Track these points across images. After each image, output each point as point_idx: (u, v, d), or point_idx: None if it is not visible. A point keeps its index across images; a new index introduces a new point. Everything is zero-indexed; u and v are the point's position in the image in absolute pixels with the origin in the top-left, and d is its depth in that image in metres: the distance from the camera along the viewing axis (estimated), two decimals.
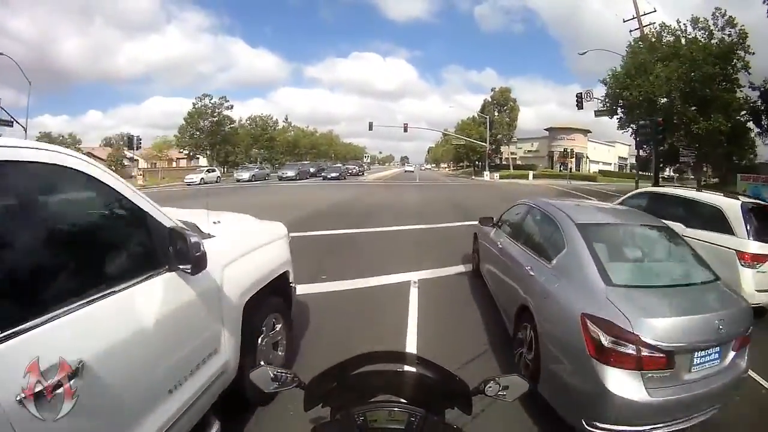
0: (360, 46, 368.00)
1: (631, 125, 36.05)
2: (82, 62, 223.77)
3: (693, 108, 29.19)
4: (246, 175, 55.93)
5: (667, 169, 44.75)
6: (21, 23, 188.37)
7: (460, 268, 10.54)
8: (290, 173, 58.12)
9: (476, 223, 10.02)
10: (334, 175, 58.65)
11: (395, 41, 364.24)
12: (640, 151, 41.24)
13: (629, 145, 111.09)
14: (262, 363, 3.57)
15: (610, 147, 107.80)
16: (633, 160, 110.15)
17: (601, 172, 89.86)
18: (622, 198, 11.76)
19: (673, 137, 30.74)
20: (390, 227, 16.55)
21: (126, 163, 69.88)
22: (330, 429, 2.05)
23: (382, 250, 12.34)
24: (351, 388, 2.14)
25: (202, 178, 51.42)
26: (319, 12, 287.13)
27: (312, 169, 65.84)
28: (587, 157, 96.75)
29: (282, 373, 2.14)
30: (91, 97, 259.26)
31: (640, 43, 34.77)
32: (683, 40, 31.40)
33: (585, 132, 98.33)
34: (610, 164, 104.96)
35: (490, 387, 2.10)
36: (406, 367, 2.26)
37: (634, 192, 11.88)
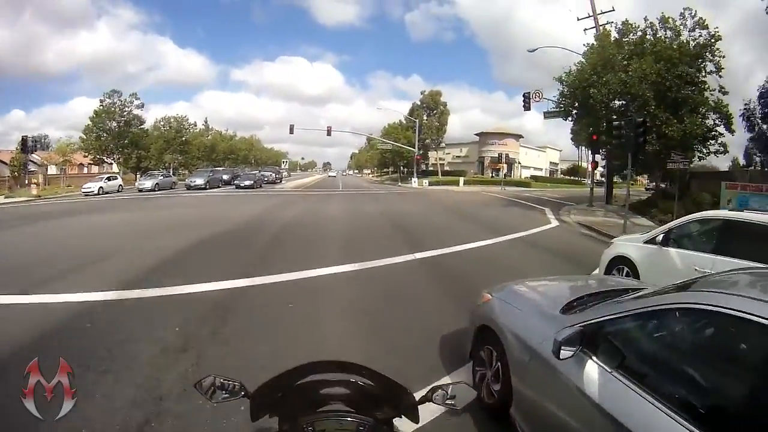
0: (289, 50, 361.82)
1: (589, 128, 33.33)
2: (6, 56, 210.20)
3: (663, 109, 27.25)
4: (148, 184, 48.54)
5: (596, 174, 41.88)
6: None
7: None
8: (198, 181, 51.02)
9: (421, 255, 9.86)
10: (247, 183, 52.09)
11: (324, 46, 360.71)
12: (596, 156, 38.47)
13: (560, 150, 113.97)
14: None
15: (540, 152, 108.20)
16: (563, 166, 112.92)
17: (533, 177, 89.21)
18: (671, 225, 9.00)
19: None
20: (304, 271, 10.96)
21: (32, 169, 62.15)
22: None
23: (285, 345, 6.77)
24: (299, 397, 2.10)
25: (101, 187, 44.97)
26: (250, 13, 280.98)
27: (225, 176, 58.76)
28: (519, 163, 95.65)
29: (229, 382, 2.10)
30: (14, 94, 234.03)
31: (613, 36, 32.56)
32: (650, 38, 29.84)
33: (517, 137, 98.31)
34: (542, 169, 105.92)
35: (437, 395, 2.10)
36: (355, 377, 2.13)
37: (688, 218, 8.61)
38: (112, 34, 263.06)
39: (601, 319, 3.54)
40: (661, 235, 8.66)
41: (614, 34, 32.53)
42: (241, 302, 8.62)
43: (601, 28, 36.89)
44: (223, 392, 2.10)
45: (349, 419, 1.97)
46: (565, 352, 3.29)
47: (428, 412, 2.35)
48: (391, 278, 10.71)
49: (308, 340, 6.79)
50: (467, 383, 2.26)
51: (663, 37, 29.36)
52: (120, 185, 48.92)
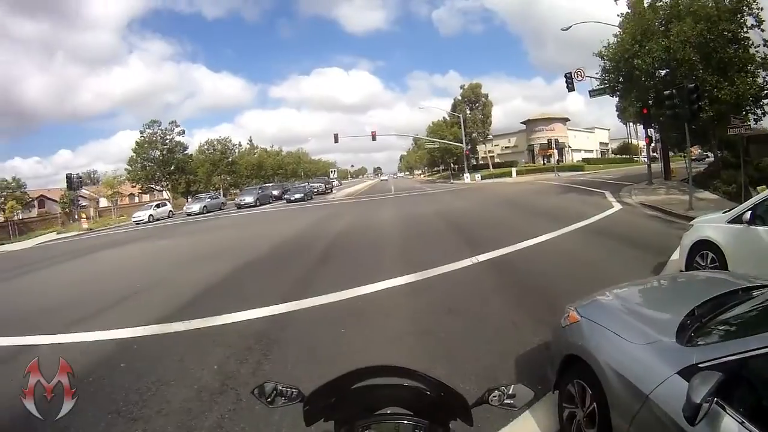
0: (323, 62, 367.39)
1: (638, 103, 31.77)
2: (47, 101, 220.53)
3: (710, 72, 25.36)
4: (195, 208, 49.05)
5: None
6: None
7: None
8: (248, 199, 51.08)
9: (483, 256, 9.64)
10: (297, 196, 52.04)
11: (357, 53, 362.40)
12: (650, 129, 36.66)
13: (608, 129, 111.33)
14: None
15: (589, 133, 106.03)
16: (613, 145, 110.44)
17: (585, 160, 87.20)
18: (757, 200, 8.04)
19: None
20: (356, 288, 10.26)
21: (83, 204, 64.25)
22: None
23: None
24: (354, 401, 2.07)
25: (150, 215, 46.41)
26: (279, 31, 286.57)
27: (276, 192, 59.09)
28: (569, 147, 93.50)
29: (286, 388, 2.16)
30: (59, 136, 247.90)
31: (646, 1, 30.35)
32: None
33: (564, 120, 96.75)
34: (592, 151, 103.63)
35: (493, 396, 2.12)
36: (407, 381, 2.04)
37: None
38: (146, 68, 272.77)
39: (745, 355, 2.73)
40: (748, 212, 7.71)
41: (647, 0, 30.66)
42: (285, 331, 8.08)
43: None
44: (282, 398, 2.13)
45: (405, 422, 1.96)
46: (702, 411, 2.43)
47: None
48: (453, 288, 9.93)
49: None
50: (524, 384, 2.18)
51: None
52: (170, 211, 50.35)
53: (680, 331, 3.38)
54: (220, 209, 51.53)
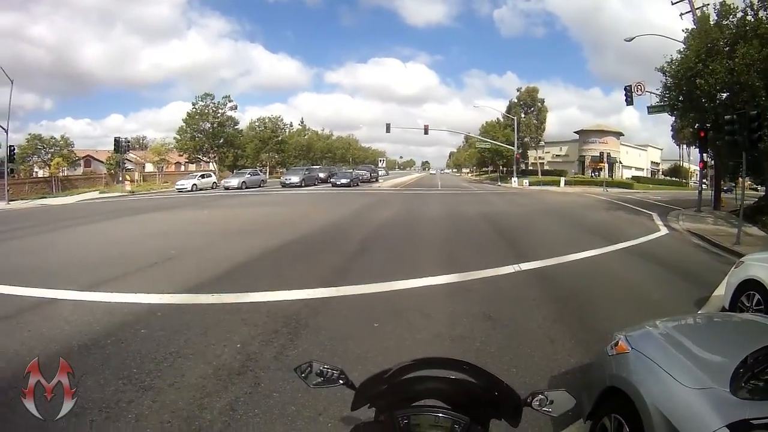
0: (380, 52, 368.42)
1: (696, 124, 31.03)
2: (103, 67, 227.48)
3: None
4: (234, 182, 49.04)
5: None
6: (42, 29, 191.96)
7: None
8: (294, 179, 51.64)
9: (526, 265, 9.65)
10: (343, 181, 52.27)
11: (415, 46, 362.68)
12: (705, 155, 35.02)
13: (661, 149, 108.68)
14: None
15: (641, 151, 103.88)
16: (664, 166, 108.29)
17: (634, 177, 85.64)
18: None
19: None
20: (394, 282, 10.00)
21: (129, 167, 65.76)
22: (370, 429, 2.07)
23: (362, 378, 6.21)
24: (399, 391, 2.07)
25: (194, 185, 47.40)
26: (339, 18, 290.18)
27: (322, 175, 59.67)
28: (620, 162, 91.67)
29: (329, 369, 2.16)
30: (112, 101, 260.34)
31: (712, 19, 29.15)
32: (751, 19, 26.19)
33: (618, 135, 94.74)
34: (643, 170, 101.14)
35: (536, 400, 2.10)
36: (457, 374, 2.08)
37: None
38: (204, 43, 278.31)
39: None
40: None
41: (713, 17, 29.36)
42: (317, 317, 7.84)
43: (697, 12, 33.54)
44: (320, 378, 2.14)
45: (443, 416, 1.92)
46: None
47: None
48: (493, 295, 9.57)
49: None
50: (568, 391, 2.18)
51: (765, 18, 25.96)
52: (214, 182, 51.25)
53: (733, 380, 3.14)
54: (260, 186, 51.78)
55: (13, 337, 6.61)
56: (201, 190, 47.04)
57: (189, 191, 45.24)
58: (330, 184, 53.38)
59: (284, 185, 50.62)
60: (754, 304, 7.73)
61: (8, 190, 37.23)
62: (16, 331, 6.91)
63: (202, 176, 51.21)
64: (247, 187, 48.60)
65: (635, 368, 3.71)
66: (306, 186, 51.38)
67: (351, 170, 67.50)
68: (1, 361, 5.79)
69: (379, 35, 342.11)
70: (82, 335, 6.67)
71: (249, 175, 52.72)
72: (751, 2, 26.51)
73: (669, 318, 4.72)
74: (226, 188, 47.97)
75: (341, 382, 2.14)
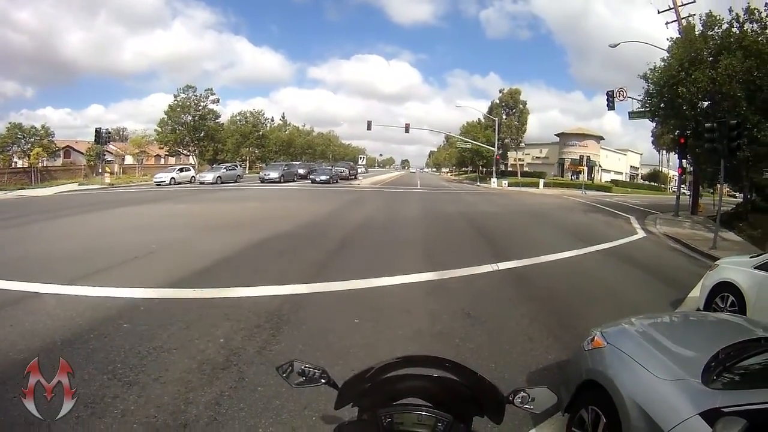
0: (364, 48, 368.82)
1: (676, 131, 31.63)
2: (85, 56, 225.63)
3: (753, 111, 24.37)
4: (209, 177, 48.24)
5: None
6: (25, 15, 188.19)
7: None
8: (273, 174, 51.13)
9: (505, 265, 9.27)
10: (323, 178, 51.88)
11: (400, 44, 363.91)
12: (684, 161, 35.51)
13: (640, 154, 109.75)
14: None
15: (621, 155, 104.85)
16: (643, 170, 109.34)
17: (613, 181, 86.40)
18: None
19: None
20: (374, 279, 10.15)
21: (109, 159, 64.95)
22: (353, 428, 2.06)
23: (343, 373, 6.27)
24: (382, 389, 2.09)
25: (172, 178, 46.85)
26: (324, 13, 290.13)
27: (302, 171, 59.50)
28: (600, 166, 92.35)
29: (311, 368, 2.17)
30: (93, 90, 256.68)
31: (697, 29, 29.56)
32: (736, 31, 26.72)
33: (598, 138, 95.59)
34: (622, 173, 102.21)
35: (518, 398, 2.13)
36: (440, 372, 2.09)
37: None
38: (188, 34, 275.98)
39: None
40: None
41: (699, 27, 29.88)
42: (298, 313, 7.91)
43: (683, 21, 34.36)
44: (302, 377, 2.15)
45: (426, 414, 1.93)
46: None
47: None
48: (472, 293, 9.73)
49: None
50: (549, 388, 2.22)
51: (750, 30, 26.60)
52: (192, 176, 50.29)
53: (705, 372, 3.35)
54: (236, 181, 51.10)
55: None
56: (179, 183, 46.45)
57: (167, 185, 44.73)
58: (309, 180, 53.16)
59: (263, 180, 50.46)
60: (728, 305, 8.00)
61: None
62: None
63: (181, 170, 50.58)
64: (222, 182, 48.14)
65: (611, 362, 3.88)
66: (285, 181, 51.13)
67: (330, 167, 67.03)
68: None
69: (364, 32, 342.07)
70: (65, 330, 6.66)
71: (225, 170, 52.18)
72: (736, 14, 26.98)
73: (644, 315, 4.96)
74: (201, 183, 47.64)
75: (323, 381, 2.15)
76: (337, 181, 55.15)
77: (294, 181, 53.93)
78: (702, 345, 3.92)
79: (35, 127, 71.38)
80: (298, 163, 70.24)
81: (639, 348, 3.92)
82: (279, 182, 49.74)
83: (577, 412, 4.12)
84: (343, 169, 68.00)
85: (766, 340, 3.96)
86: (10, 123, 71.07)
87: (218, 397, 4.92)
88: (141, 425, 4.38)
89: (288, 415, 4.59)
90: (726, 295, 8.17)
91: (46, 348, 6.00)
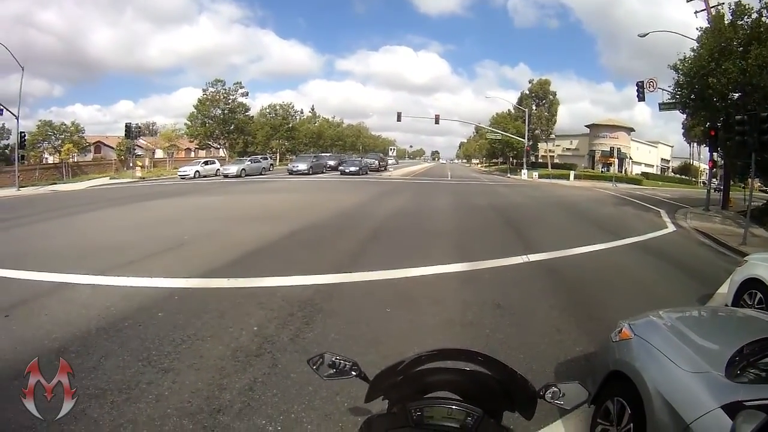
0: (392, 40, 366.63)
1: (707, 123, 30.92)
2: (113, 53, 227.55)
3: None
4: (233, 169, 46.89)
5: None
6: (51, 15, 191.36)
7: None
8: (301, 166, 50.45)
9: (535, 257, 9.18)
10: (352, 169, 51.29)
11: (428, 35, 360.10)
12: (714, 154, 34.67)
13: (671, 146, 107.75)
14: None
15: (652, 147, 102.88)
16: (674, 163, 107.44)
17: (644, 174, 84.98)
18: None
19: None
20: (405, 269, 10.12)
21: (139, 153, 65.83)
22: (383, 421, 2.05)
23: (376, 361, 6.29)
24: (412, 383, 2.09)
25: (197, 171, 46.92)
26: (351, 5, 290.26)
27: (332, 162, 59.17)
28: (630, 158, 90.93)
29: (342, 360, 2.19)
30: (122, 87, 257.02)
31: (726, 18, 28.78)
32: (766, 20, 26.13)
33: (629, 130, 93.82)
34: (653, 166, 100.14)
35: (549, 392, 2.13)
36: (472, 366, 2.08)
37: None
38: (215, 29, 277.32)
39: None
40: None
41: (728, 17, 29.01)
42: (330, 302, 7.95)
43: (712, 10, 33.42)
44: (333, 369, 2.17)
45: (456, 408, 1.91)
46: None
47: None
48: (502, 284, 9.67)
49: (404, 356, 5.82)
50: (581, 383, 2.24)
51: None
52: (217, 169, 49.85)
53: (729, 366, 3.35)
54: (261, 173, 49.84)
55: (31, 321, 6.72)
56: (205, 177, 46.41)
57: (191, 178, 44.78)
58: (339, 172, 52.59)
59: (291, 172, 49.89)
60: (756, 302, 7.78)
61: (19, 177, 37.37)
62: (34, 315, 7.01)
63: (206, 163, 50.39)
64: (247, 174, 47.06)
65: (638, 353, 3.90)
66: (314, 173, 50.64)
67: (360, 158, 66.59)
68: (20, 344, 5.90)
69: (392, 23, 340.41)
70: (99, 319, 6.77)
71: (249, 162, 50.89)
72: (766, 3, 26.38)
73: (671, 309, 4.90)
74: (225, 176, 46.53)
75: (354, 373, 2.16)
76: (366, 173, 54.49)
77: (323, 172, 53.62)
78: (727, 339, 3.91)
79: (65, 124, 72.67)
80: (327, 154, 70.23)
81: (665, 340, 3.93)
82: (308, 174, 49.32)
83: (603, 403, 4.14)
84: (372, 160, 66.76)
85: None
86: (40, 120, 72.58)
87: (252, 384, 4.97)
88: (175, 410, 4.43)
89: (320, 401, 4.61)
90: (754, 292, 7.94)
91: (81, 336, 6.13)
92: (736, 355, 3.49)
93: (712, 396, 3.05)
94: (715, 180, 41.04)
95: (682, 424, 3.05)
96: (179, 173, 47.04)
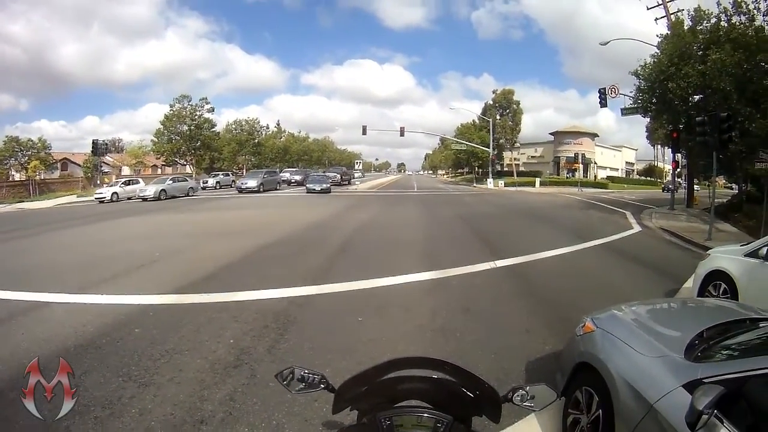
0: (357, 53, 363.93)
1: (669, 126, 31.84)
2: (79, 68, 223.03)
3: (744, 103, 24.33)
4: (150, 192, 39.85)
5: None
6: (17, 28, 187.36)
7: None
8: (251, 183, 46.06)
9: (502, 262, 9.89)
10: (324, 186, 45.81)
11: (392, 48, 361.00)
12: (678, 155, 35.66)
13: (635, 150, 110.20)
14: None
15: (616, 152, 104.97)
16: (639, 166, 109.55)
17: (609, 178, 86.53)
18: None
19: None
20: (375, 279, 10.41)
21: (106, 170, 64.89)
22: None
23: (349, 368, 6.38)
24: (380, 392, 2.12)
25: (115, 193, 40.39)
26: (316, 19, 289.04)
27: (297, 177, 57.53)
28: (595, 163, 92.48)
29: (310, 374, 2.19)
30: (88, 102, 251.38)
31: (686, 25, 29.86)
32: (725, 24, 26.88)
33: (593, 136, 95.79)
34: (618, 170, 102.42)
35: (517, 395, 2.15)
36: (438, 373, 2.13)
37: None
38: (181, 43, 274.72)
39: (745, 374, 2.99)
40: (765, 248, 7.68)
41: (687, 22, 30.20)
42: (303, 313, 8.09)
43: (672, 17, 34.65)
44: (302, 383, 2.16)
45: (426, 415, 1.93)
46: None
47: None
48: (470, 290, 9.89)
49: (377, 362, 5.96)
50: (548, 385, 2.24)
51: (737, 23, 26.59)
52: (140, 189, 41.76)
53: (688, 349, 3.54)
54: (188, 195, 43.59)
55: (9, 340, 6.70)
56: (122, 199, 40.19)
57: (110, 201, 38.84)
58: (306, 190, 47.39)
59: (241, 191, 45.66)
60: (720, 293, 8.11)
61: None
62: (11, 334, 6.98)
63: (125, 183, 43.45)
64: (169, 196, 40.48)
65: (601, 344, 4.10)
66: (266, 191, 46.43)
67: (324, 172, 63.37)
68: None
69: (356, 37, 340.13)
70: (77, 336, 6.79)
71: (171, 182, 43.67)
72: (724, 8, 27.08)
73: (634, 302, 5.19)
74: (143, 199, 39.48)
75: (322, 386, 2.16)
76: (329, 191, 47.24)
77: (276, 189, 50.54)
78: (688, 326, 4.11)
79: (32, 140, 71.28)
80: (292, 169, 70.13)
81: (627, 330, 4.14)
82: (258, 192, 45.60)
83: (572, 394, 4.31)
84: (334, 174, 62.57)
85: (752, 321, 4.11)
86: (6, 136, 70.74)
87: (232, 394, 5.08)
88: (159, 423, 4.52)
89: (299, 407, 4.73)
90: (718, 283, 8.28)
91: (60, 353, 6.02)
92: (696, 338, 3.71)
93: (673, 377, 3.22)
94: (680, 180, 41.96)
95: (647, 405, 3.22)
96: (95, 196, 40.71)
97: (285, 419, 4.60)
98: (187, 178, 50.92)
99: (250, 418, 4.61)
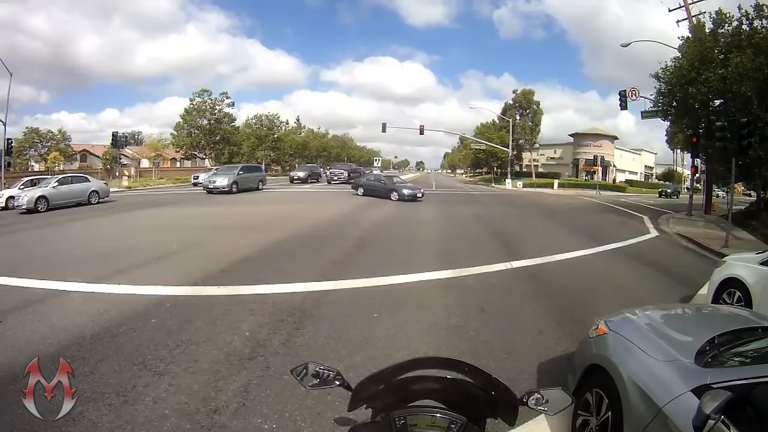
0: (377, 50, 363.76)
1: (688, 130, 31.17)
2: (100, 61, 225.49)
3: (765, 109, 23.89)
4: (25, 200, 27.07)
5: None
6: (39, 21, 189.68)
7: None
8: (220, 182, 35.52)
9: (518, 263, 9.94)
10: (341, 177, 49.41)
11: (413, 45, 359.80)
12: (697, 160, 35.17)
13: (655, 153, 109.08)
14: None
15: (635, 155, 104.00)
16: (658, 170, 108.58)
17: (627, 181, 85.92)
18: None
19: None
20: (392, 276, 10.49)
21: (125, 162, 65.39)
22: (367, 430, 2.04)
23: (364, 363, 6.43)
24: (395, 391, 2.11)
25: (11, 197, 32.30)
26: (338, 16, 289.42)
27: (301, 174, 54.44)
28: (614, 166, 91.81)
29: (324, 370, 2.17)
30: (108, 95, 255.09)
31: (708, 28, 29.30)
32: (746, 29, 26.34)
33: (612, 138, 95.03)
34: (636, 173, 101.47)
35: (532, 399, 2.11)
36: (455, 374, 2.13)
37: None
38: (202, 38, 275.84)
39: (754, 381, 3.01)
40: None
41: (709, 25, 29.58)
42: (320, 308, 8.13)
43: (693, 19, 34.08)
44: (316, 379, 2.16)
45: (440, 416, 1.90)
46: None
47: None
48: (486, 290, 9.86)
49: (391, 359, 5.87)
50: (564, 390, 2.20)
51: (759, 27, 26.08)
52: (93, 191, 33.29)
53: (699, 354, 3.55)
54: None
55: (25, 327, 6.80)
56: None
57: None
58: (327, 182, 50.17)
59: (209, 191, 36.25)
60: (735, 301, 8.01)
61: (5, 184, 36.33)
62: (27, 321, 7.08)
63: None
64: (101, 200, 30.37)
65: (613, 347, 4.12)
66: (241, 191, 36.84)
67: (329, 168, 62.36)
68: (14, 349, 5.98)
69: (378, 34, 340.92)
70: (93, 325, 6.85)
71: (104, 184, 34.61)
72: (746, 11, 26.59)
73: (647, 306, 5.22)
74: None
75: (337, 383, 2.15)
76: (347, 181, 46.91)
77: (258, 189, 40.58)
78: (699, 332, 4.10)
79: (52, 132, 72.24)
80: (313, 165, 69.53)
81: (639, 334, 4.14)
82: (230, 192, 36.18)
83: (583, 396, 4.32)
84: (340, 171, 55.60)
85: (764, 330, 4.12)
86: (27, 128, 72.04)
87: (246, 385, 5.10)
88: (173, 411, 4.55)
89: (312, 400, 4.72)
90: (733, 290, 8.20)
91: (76, 341, 6.23)
92: (707, 344, 3.71)
93: (682, 381, 3.22)
94: (698, 185, 41.54)
95: (655, 408, 3.22)
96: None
97: (298, 412, 4.61)
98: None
99: (264, 410, 4.63)
